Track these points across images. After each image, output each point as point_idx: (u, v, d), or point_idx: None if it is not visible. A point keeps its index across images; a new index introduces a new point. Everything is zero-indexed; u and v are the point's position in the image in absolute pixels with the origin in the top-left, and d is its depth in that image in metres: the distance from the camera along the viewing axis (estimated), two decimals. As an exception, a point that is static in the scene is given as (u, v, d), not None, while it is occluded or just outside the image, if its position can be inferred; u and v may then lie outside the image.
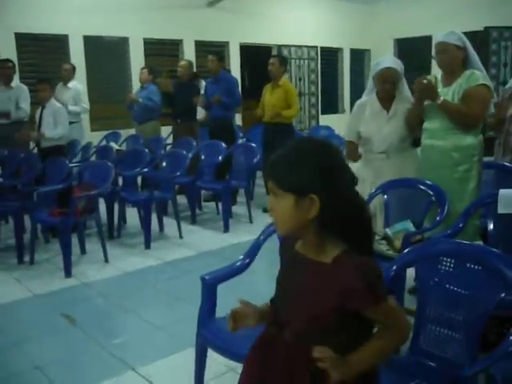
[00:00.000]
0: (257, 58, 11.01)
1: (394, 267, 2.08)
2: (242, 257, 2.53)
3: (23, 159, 5.84)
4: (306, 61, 12.18)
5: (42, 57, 8.49)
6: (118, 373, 2.91)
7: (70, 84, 7.36)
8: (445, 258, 1.95)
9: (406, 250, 2.18)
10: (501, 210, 2.97)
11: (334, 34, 12.45)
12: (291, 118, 6.32)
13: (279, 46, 11.57)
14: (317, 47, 12.31)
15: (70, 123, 6.26)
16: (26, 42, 8.14)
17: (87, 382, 2.84)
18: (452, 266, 1.93)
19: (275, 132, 6.08)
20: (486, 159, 3.68)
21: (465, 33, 3.48)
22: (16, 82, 6.76)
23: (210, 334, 2.26)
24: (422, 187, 3.32)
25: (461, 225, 3.03)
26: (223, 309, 1.98)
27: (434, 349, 1.92)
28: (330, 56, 12.84)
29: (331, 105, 13.00)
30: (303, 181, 1.36)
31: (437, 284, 1.98)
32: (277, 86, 6.25)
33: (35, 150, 6.23)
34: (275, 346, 1.46)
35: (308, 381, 1.39)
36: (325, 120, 11.70)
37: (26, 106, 6.69)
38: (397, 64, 3.63)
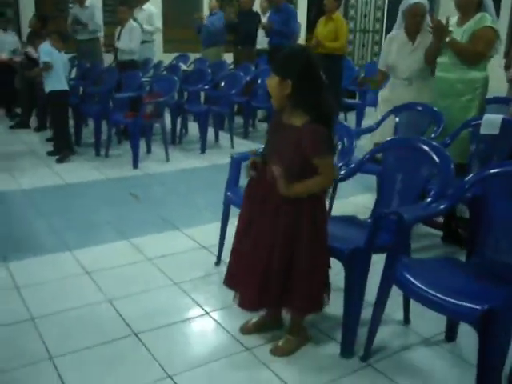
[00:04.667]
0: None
1: (368, 155, 2.90)
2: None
3: (104, 71, 6.78)
4: (373, -3, 12.46)
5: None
6: (168, 230, 3.89)
7: (145, 6, 8.17)
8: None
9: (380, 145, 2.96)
10: (483, 131, 3.61)
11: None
12: (337, 50, 6.85)
13: (347, -18, 11.89)
14: (385, -16, 12.51)
15: (144, 42, 7.13)
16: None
17: (146, 233, 3.80)
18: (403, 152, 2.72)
19: (324, 63, 6.70)
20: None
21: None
22: (89, 1, 7.62)
23: (233, 195, 3.14)
24: (423, 110, 3.99)
25: (448, 141, 3.71)
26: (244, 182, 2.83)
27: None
28: (398, -6, 13.02)
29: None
30: (285, 70, 2.19)
31: (394, 164, 2.79)
32: (330, 19, 6.84)
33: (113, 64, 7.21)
34: (262, 180, 2.30)
35: (277, 196, 2.23)
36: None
37: (99, 21, 7.62)
38: (424, 0, 4.17)
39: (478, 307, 1.88)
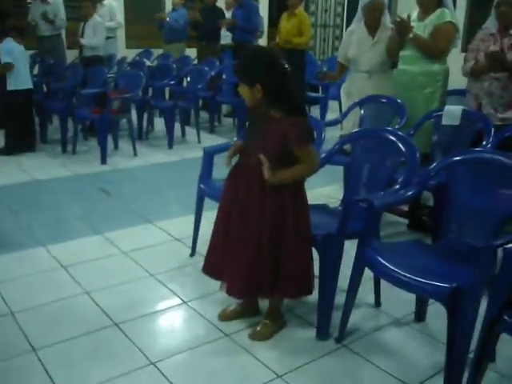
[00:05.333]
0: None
1: (337, 146, 3.00)
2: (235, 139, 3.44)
3: (68, 67, 6.74)
4: (333, -7, 12.63)
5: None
6: (140, 223, 3.93)
7: (105, 1, 8.12)
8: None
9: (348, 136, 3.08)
10: (444, 122, 3.77)
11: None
12: (302, 45, 7.01)
13: (308, -23, 12.02)
14: (345, -20, 12.69)
15: (107, 38, 7.11)
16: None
17: (119, 227, 3.83)
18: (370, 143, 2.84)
19: (287, 58, 6.78)
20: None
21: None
22: None
23: (206, 187, 3.21)
24: (386, 102, 4.12)
25: (412, 132, 3.86)
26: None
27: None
28: (357, -11, 13.22)
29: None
30: (250, 77, 2.27)
31: (362, 155, 2.90)
32: (293, 14, 6.94)
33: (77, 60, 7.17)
34: (244, 170, 2.39)
35: (261, 186, 2.31)
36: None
37: (63, 17, 7.59)
38: None
39: (446, 285, 2.00)
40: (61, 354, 2.39)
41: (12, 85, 5.59)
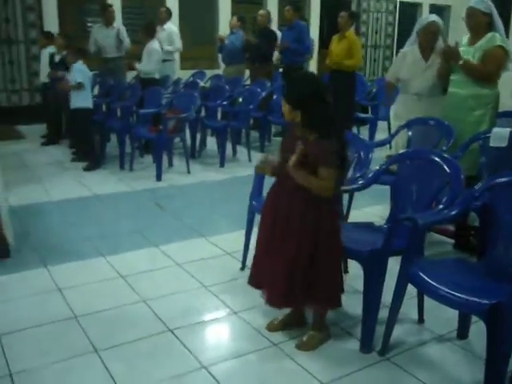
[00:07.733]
0: (336, 10, 11.69)
1: (384, 166, 3.13)
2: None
3: (128, 87, 7.09)
4: (384, 14, 12.74)
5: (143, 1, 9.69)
6: (193, 237, 4.13)
7: (165, 26, 8.47)
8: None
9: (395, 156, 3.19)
10: (492, 144, 3.83)
11: (415, -12, 12.86)
12: (352, 68, 7.14)
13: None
14: (396, 1, 12.79)
15: (164, 61, 7.44)
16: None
17: (174, 240, 4.05)
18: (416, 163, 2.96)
19: (338, 79, 6.96)
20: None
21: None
22: (117, 22, 8.10)
23: (257, 203, 3.36)
24: (434, 124, 4.21)
25: (460, 153, 3.93)
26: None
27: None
28: (408, 11, 13.28)
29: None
30: (295, 103, 2.46)
31: (408, 175, 3.01)
32: (343, 37, 7.10)
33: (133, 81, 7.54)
34: (284, 189, 2.54)
35: (302, 202, 2.48)
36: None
37: (127, 40, 8.01)
38: (439, 20, 4.47)
39: (486, 302, 2.09)
40: (120, 355, 2.59)
41: (77, 103, 6.00)
